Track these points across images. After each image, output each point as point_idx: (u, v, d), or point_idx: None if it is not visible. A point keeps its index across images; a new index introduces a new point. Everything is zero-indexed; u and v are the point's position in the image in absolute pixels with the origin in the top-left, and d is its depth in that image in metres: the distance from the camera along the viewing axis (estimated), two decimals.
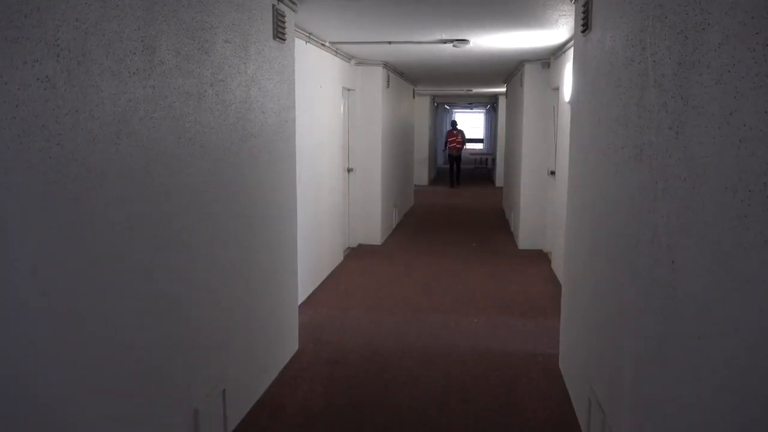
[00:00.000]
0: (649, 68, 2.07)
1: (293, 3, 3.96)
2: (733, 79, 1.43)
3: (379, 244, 8.03)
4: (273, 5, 3.59)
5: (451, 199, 13.22)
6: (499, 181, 14.78)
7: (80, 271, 1.83)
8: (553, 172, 6.86)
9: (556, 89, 6.62)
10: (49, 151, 1.67)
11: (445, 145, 16.07)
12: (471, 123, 29.93)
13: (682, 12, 1.77)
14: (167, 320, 2.40)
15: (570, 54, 5.06)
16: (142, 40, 2.14)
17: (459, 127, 16.27)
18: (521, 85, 8.08)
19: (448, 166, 16.05)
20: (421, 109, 15.12)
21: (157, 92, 2.26)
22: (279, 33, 3.67)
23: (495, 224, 9.89)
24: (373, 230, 8.01)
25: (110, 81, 1.95)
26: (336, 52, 6.43)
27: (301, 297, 5.16)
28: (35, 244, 1.64)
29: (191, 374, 2.63)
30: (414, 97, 12.32)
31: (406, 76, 10.09)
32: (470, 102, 21.25)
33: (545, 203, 7.40)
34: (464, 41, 5.79)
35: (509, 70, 8.88)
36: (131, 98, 2.08)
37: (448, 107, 23.54)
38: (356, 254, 7.44)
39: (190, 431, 2.63)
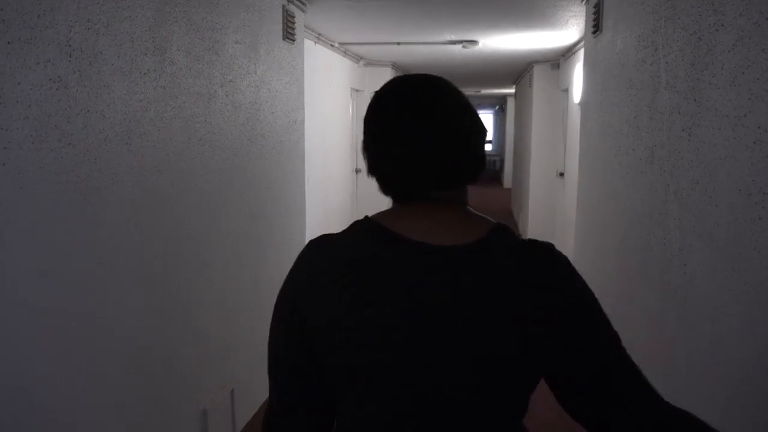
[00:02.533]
0: (661, 70, 2.06)
1: (303, 4, 3.96)
2: (747, 80, 1.41)
3: None
4: (283, 6, 3.60)
5: None
6: (507, 182, 14.74)
7: (90, 271, 1.84)
8: (562, 174, 6.83)
9: (566, 90, 6.59)
10: (60, 151, 1.68)
11: None
12: None
13: (695, 13, 1.76)
14: (176, 320, 2.41)
15: (580, 55, 5.04)
16: (153, 41, 2.15)
17: None
18: (530, 86, 8.05)
19: None
20: None
21: (167, 93, 2.27)
22: (288, 34, 3.68)
23: None
24: None
25: (121, 81, 1.96)
26: (345, 53, 6.44)
27: None
28: (46, 244, 1.64)
29: (199, 374, 2.63)
30: None
31: None
32: (479, 103, 21.22)
33: (554, 205, 7.37)
34: (473, 42, 5.78)
35: (518, 71, 8.85)
36: (142, 98, 2.09)
37: None
38: None
39: (198, 431, 2.63)
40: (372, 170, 0.96)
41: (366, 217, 0.95)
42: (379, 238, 0.89)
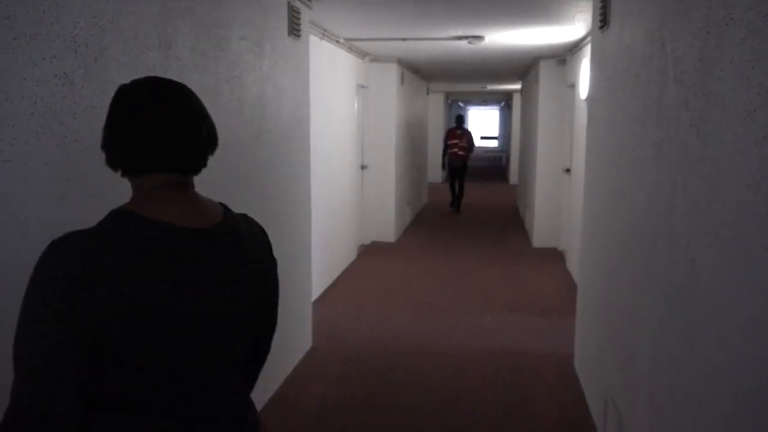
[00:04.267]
0: (669, 65, 2.04)
1: None
2: (756, 75, 1.40)
3: (393, 241, 8.02)
4: (288, 1, 3.59)
5: (465, 197, 13.15)
6: (513, 178, 14.70)
7: None
8: (568, 170, 6.81)
9: (572, 86, 6.56)
10: (66, 148, 1.68)
11: (444, 150, 11.27)
12: (485, 120, 29.82)
13: (704, 7, 1.74)
14: None
15: (586, 50, 5.01)
16: (158, 37, 2.15)
17: (466, 125, 11.68)
18: (536, 82, 8.02)
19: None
20: (434, 107, 15.07)
21: None
22: (294, 29, 3.67)
23: (509, 222, 9.84)
24: (386, 227, 8.00)
25: (127, 77, 1.95)
26: (350, 49, 6.42)
27: (315, 294, 5.17)
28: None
29: None
30: (428, 94, 12.29)
31: (421, 73, 10.06)
32: (484, 99, 21.16)
33: (560, 201, 7.35)
34: (479, 38, 5.76)
35: (524, 66, 8.82)
36: None
37: (462, 104, 23.45)
38: (370, 252, 7.44)
39: None
40: (131, 149, 1.07)
41: (127, 210, 1.05)
42: (146, 226, 1.02)
